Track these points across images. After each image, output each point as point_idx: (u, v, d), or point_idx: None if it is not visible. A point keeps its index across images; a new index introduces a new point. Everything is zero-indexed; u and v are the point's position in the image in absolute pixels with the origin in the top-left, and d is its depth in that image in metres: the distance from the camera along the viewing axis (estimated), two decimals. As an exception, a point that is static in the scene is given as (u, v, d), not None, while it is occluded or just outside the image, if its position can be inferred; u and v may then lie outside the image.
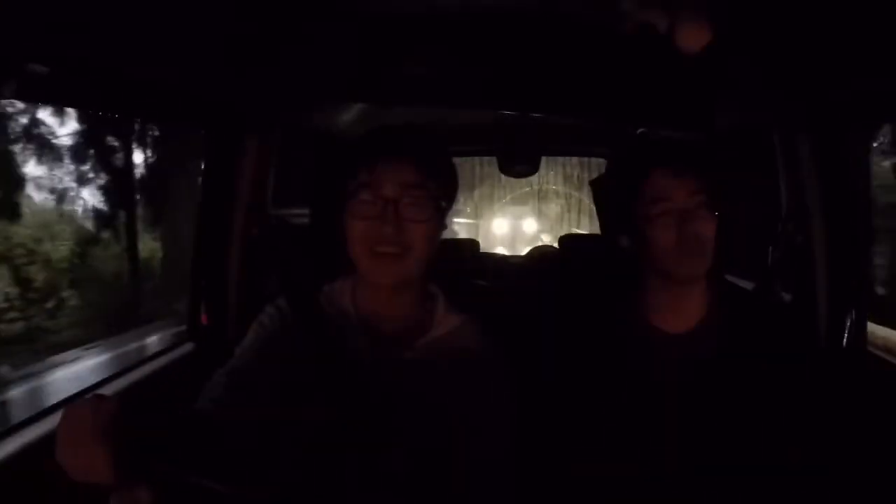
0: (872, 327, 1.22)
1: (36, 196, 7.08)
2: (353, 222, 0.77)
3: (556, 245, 2.13)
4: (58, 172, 7.09)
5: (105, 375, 1.12)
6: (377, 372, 0.78)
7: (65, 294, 6.50)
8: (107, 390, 1.07)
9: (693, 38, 0.61)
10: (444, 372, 0.79)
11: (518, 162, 2.35)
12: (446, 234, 0.85)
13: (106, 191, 7.23)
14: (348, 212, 0.77)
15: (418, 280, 0.82)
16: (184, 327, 1.35)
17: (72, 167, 7.14)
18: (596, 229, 2.32)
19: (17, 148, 6.64)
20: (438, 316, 0.83)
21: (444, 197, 0.80)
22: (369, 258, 0.76)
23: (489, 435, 0.77)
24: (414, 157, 0.76)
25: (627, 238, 0.95)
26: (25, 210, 6.69)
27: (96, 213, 7.23)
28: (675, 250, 0.88)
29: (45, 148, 6.94)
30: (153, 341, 3.82)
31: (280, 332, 0.83)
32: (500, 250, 5.55)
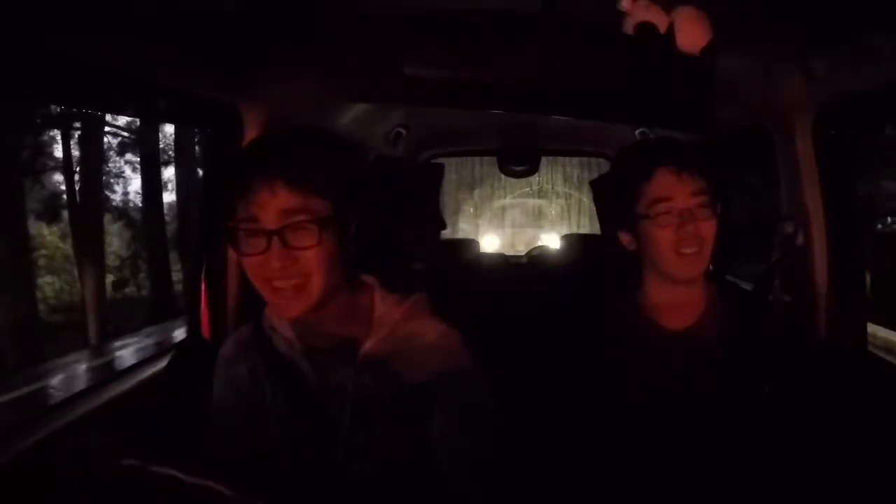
0: (872, 328, 1.22)
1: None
2: (244, 259, 0.70)
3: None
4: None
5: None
6: (329, 390, 0.77)
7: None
8: (107, 393, 1.07)
9: (693, 38, 0.61)
10: (401, 369, 0.76)
11: (518, 162, 2.35)
12: (446, 234, 0.85)
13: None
14: (238, 246, 0.70)
15: (340, 287, 0.75)
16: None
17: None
18: (596, 230, 2.32)
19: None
20: (378, 314, 0.78)
21: (341, 212, 0.70)
22: (270, 293, 0.70)
23: (463, 421, 0.75)
24: (284, 179, 0.67)
25: (627, 237, 0.95)
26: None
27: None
28: (674, 250, 0.88)
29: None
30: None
31: (236, 364, 0.82)
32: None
